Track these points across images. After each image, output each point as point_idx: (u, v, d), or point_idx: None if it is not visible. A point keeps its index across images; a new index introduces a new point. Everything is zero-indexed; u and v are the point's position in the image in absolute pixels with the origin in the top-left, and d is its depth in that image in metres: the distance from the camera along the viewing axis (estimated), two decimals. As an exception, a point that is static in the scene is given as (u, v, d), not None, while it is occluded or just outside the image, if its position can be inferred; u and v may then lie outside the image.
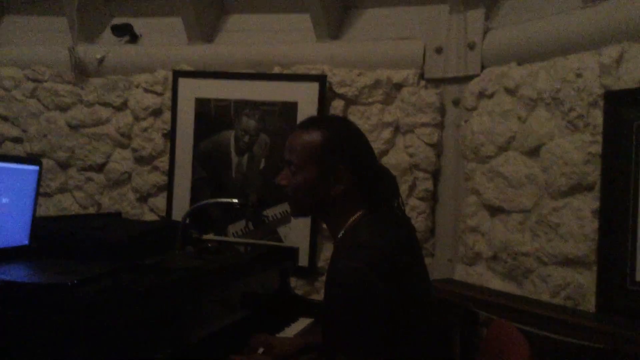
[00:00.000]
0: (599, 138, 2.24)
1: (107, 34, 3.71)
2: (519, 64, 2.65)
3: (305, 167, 1.45)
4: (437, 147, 3.03)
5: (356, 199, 1.45)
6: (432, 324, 1.45)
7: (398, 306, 1.30)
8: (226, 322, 1.90)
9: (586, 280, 2.27)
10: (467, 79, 2.90)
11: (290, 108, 3.19)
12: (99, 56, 3.63)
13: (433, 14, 3.06)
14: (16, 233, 1.79)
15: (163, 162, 3.47)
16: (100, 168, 3.65)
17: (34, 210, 1.85)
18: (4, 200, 1.72)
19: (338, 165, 1.43)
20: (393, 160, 3.04)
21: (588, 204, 2.28)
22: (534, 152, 2.52)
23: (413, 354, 1.35)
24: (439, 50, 2.98)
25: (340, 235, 1.46)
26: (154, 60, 3.55)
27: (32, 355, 1.25)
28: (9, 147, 3.81)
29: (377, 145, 3.01)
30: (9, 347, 1.24)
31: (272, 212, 3.19)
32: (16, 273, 1.49)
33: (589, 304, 2.24)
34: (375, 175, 1.49)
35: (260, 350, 1.74)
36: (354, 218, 1.44)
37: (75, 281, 1.41)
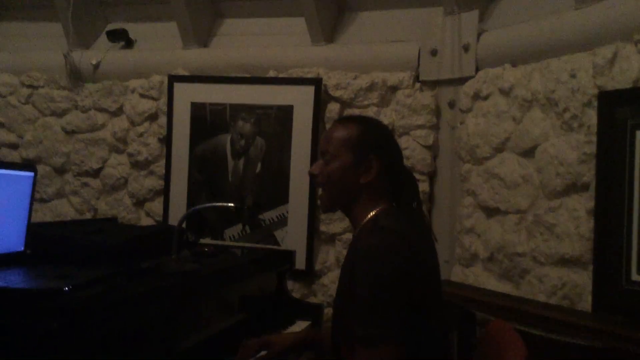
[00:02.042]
0: (593, 138, 2.24)
1: (102, 39, 3.71)
2: (513, 65, 2.66)
3: (339, 155, 1.54)
4: (433, 149, 3.04)
5: (381, 191, 1.54)
6: (440, 320, 1.49)
7: (412, 289, 1.36)
8: (223, 325, 1.90)
9: (582, 279, 2.27)
10: (462, 80, 2.91)
11: (285, 111, 3.20)
12: (94, 62, 3.63)
13: (427, 16, 3.07)
14: (11, 239, 1.78)
15: (159, 167, 3.47)
16: (96, 173, 3.65)
17: (29, 216, 1.84)
18: (-1, 206, 1.72)
19: (370, 154, 1.52)
20: (389, 162, 3.04)
21: (583, 203, 2.28)
22: (529, 153, 2.53)
23: (420, 342, 1.39)
24: (433, 53, 2.99)
25: (361, 225, 1.53)
26: (149, 65, 3.55)
27: (28, 361, 1.25)
28: (5, 153, 3.81)
29: (372, 148, 3.01)
30: (5, 354, 1.24)
31: (268, 216, 3.19)
32: (11, 279, 1.49)
33: (585, 304, 2.25)
34: (401, 172, 1.59)
35: (262, 352, 1.74)
36: (376, 211, 1.52)
37: (71, 286, 1.40)
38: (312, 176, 1.60)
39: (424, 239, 1.53)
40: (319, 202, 1.65)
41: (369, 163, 1.52)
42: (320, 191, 1.62)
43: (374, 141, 1.55)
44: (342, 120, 1.66)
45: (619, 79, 2.18)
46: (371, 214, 1.52)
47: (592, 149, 2.25)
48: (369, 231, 1.46)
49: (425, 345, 1.41)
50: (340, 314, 1.51)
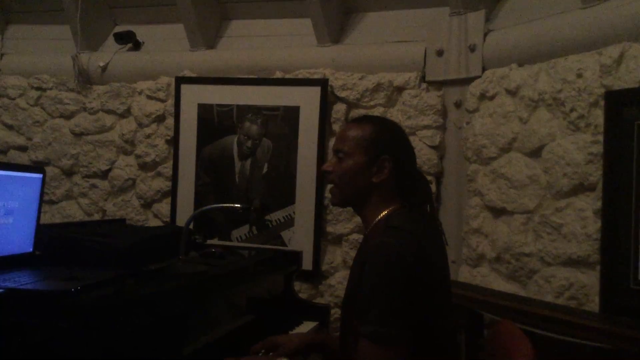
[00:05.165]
0: (600, 138, 2.24)
1: (110, 41, 3.74)
2: (520, 65, 2.65)
3: (353, 154, 1.56)
4: (439, 150, 3.03)
5: (393, 192, 1.56)
6: (448, 320, 1.50)
7: (421, 288, 1.37)
8: (231, 326, 1.91)
9: (589, 280, 2.27)
10: (468, 80, 2.90)
11: (292, 112, 3.21)
12: (102, 64, 3.65)
13: (433, 16, 3.07)
14: (21, 240, 1.80)
15: (167, 168, 3.49)
16: (104, 175, 3.67)
17: (38, 217, 1.86)
18: (9, 208, 1.73)
19: (383, 155, 1.54)
20: (395, 163, 3.04)
21: (590, 204, 2.28)
22: (535, 153, 2.52)
23: (427, 343, 1.40)
24: (440, 53, 2.99)
25: (373, 224, 1.55)
26: (157, 67, 3.57)
27: (37, 362, 1.26)
28: (14, 155, 3.84)
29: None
30: (14, 354, 1.25)
31: (275, 217, 3.20)
32: (21, 280, 1.50)
33: (593, 304, 2.24)
34: (414, 175, 1.61)
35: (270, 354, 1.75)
36: (388, 211, 1.54)
37: (80, 288, 1.42)
38: (325, 173, 1.63)
39: (435, 241, 1.53)
40: (329, 195, 1.66)
41: (381, 163, 1.54)
42: (330, 186, 1.64)
43: (388, 142, 1.56)
44: (358, 119, 1.68)
45: (626, 79, 2.17)
46: (383, 213, 1.54)
47: (599, 149, 2.25)
48: (381, 230, 1.47)
49: (432, 346, 1.41)
50: (349, 314, 1.51)
